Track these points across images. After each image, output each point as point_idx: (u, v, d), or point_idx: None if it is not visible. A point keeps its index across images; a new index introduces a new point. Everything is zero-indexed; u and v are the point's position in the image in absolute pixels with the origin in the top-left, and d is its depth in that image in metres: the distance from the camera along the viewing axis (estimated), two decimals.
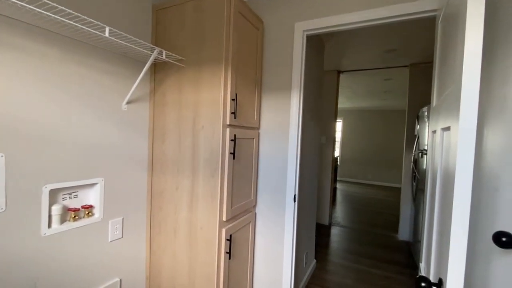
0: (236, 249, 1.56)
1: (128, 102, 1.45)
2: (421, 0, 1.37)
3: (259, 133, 1.79)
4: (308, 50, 1.85)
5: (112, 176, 1.39)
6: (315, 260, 2.68)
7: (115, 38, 1.14)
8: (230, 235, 1.45)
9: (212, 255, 1.39)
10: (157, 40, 1.55)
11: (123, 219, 1.47)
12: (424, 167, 2.56)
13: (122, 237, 1.47)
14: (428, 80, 3.27)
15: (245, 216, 1.64)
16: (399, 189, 7.16)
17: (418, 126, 3.00)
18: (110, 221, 1.39)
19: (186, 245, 1.47)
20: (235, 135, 1.40)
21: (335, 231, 3.67)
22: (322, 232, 3.61)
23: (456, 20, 0.79)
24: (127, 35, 1.14)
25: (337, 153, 8.32)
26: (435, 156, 1.03)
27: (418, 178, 2.77)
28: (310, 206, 2.42)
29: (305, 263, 2.31)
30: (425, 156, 2.48)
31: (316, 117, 2.53)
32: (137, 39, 1.17)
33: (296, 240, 1.79)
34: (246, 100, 1.56)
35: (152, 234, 1.60)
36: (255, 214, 1.80)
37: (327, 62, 3.57)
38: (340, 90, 5.14)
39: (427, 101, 3.26)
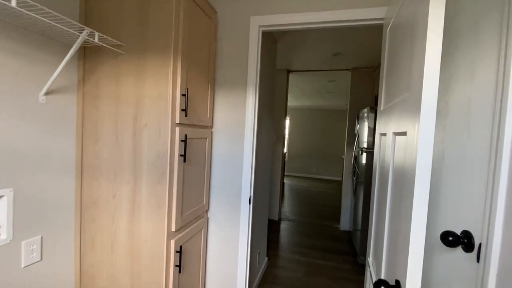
0: (187, 260, 1.43)
1: (48, 93, 1.16)
2: (370, 8, 1.43)
3: (212, 132, 1.67)
4: (263, 47, 1.80)
5: (25, 186, 1.10)
6: (266, 258, 2.70)
7: (27, 11, 0.88)
8: (180, 246, 1.31)
9: (159, 270, 1.23)
10: (88, 20, 1.28)
11: (42, 237, 1.19)
12: (364, 162, 2.81)
13: (41, 259, 1.19)
14: (367, 83, 3.59)
15: (196, 223, 1.51)
16: (339, 181, 7.84)
17: (358, 125, 3.27)
18: (23, 242, 1.11)
19: (127, 262, 1.27)
20: (186, 135, 1.25)
21: (284, 226, 3.78)
22: (273, 228, 3.68)
23: (410, 31, 0.82)
24: (44, 7, 0.89)
25: (285, 149, 8.64)
26: (385, 156, 1.09)
27: (358, 173, 3.03)
28: (263, 205, 2.41)
29: (258, 263, 2.30)
30: (365, 153, 2.71)
31: (270, 115, 2.52)
32: (58, 15, 0.93)
33: (251, 241, 1.74)
34: (199, 96, 1.42)
35: (83, 251, 1.34)
36: (208, 219, 1.69)
37: (278, 61, 3.61)
38: (289, 89, 5.29)
39: (366, 103, 3.58)
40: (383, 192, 1.07)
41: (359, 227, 2.91)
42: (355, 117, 3.63)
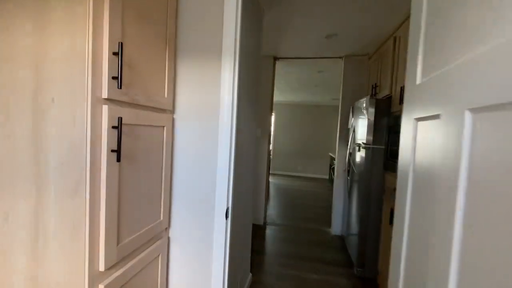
0: None
1: None
2: None
3: (174, 119, 1.20)
4: (244, 13, 1.35)
5: None
6: (250, 274, 2.27)
7: None
8: None
9: None
10: None
11: None
12: (361, 160, 2.46)
13: None
14: (362, 72, 3.25)
15: (150, 249, 1.05)
16: (325, 179, 7.58)
17: (353, 119, 2.92)
18: None
19: None
20: (120, 119, 0.79)
21: (270, 232, 3.37)
22: (257, 235, 3.26)
23: None
24: None
25: (270, 146, 8.25)
26: (443, 149, 0.69)
27: (355, 172, 2.67)
28: (246, 212, 1.97)
29: (240, 285, 1.86)
30: (363, 150, 2.35)
31: (253, 105, 2.09)
32: None
33: (229, 267, 1.31)
34: (148, 62, 0.96)
35: None
36: (169, 240, 1.23)
37: (264, 45, 3.18)
38: (275, 81, 4.89)
39: (360, 94, 3.24)
40: (434, 201, 0.67)
41: (354, 231, 2.56)
42: (349, 110, 3.28)
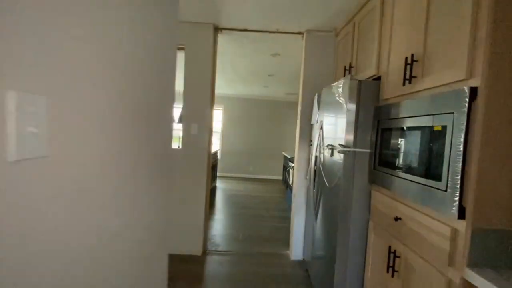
0: None
1: None
2: None
3: None
4: None
5: None
6: None
7: None
8: None
9: None
10: None
11: None
12: (331, 168, 1.74)
13: None
14: (326, 53, 2.56)
15: None
16: (278, 181, 6.98)
17: (319, 112, 2.20)
18: None
19: None
20: None
21: (212, 266, 2.46)
22: (192, 272, 2.32)
23: None
24: None
25: (217, 146, 7.30)
26: None
27: (325, 184, 1.94)
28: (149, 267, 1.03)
29: None
30: (341, 154, 1.62)
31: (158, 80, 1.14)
32: None
33: None
34: None
35: None
36: None
37: (200, 10, 2.23)
38: (220, 69, 3.97)
39: (325, 81, 2.55)
40: None
41: (322, 255, 1.85)
42: (311, 101, 2.56)
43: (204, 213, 2.66)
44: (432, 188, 1.04)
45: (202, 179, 2.61)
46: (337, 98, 1.74)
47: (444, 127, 1.00)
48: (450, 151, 0.96)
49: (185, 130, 2.57)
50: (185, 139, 2.57)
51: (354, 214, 1.61)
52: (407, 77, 1.25)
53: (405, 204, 1.24)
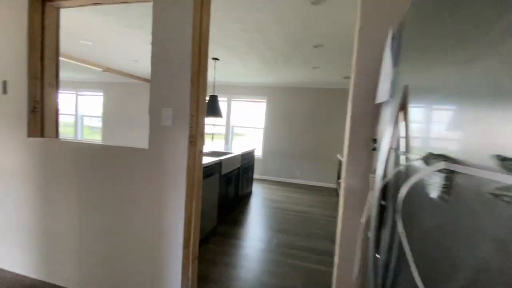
0: None
1: None
2: None
3: None
4: None
5: None
6: None
7: None
8: None
9: None
10: None
11: None
12: (421, 190, 0.48)
13: None
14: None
15: None
16: (332, 190, 5.54)
17: (395, 76, 0.91)
18: None
19: None
20: None
21: None
22: None
23: None
24: None
25: (259, 143, 6.30)
26: None
27: (398, 199, 0.68)
28: None
29: None
30: (437, 161, 0.37)
31: None
32: None
33: None
34: None
35: None
36: None
37: None
38: (248, 47, 2.88)
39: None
40: None
41: None
42: (375, 59, 1.25)
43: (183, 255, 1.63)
44: None
45: (178, 195, 1.59)
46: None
47: None
48: None
49: (154, 119, 1.59)
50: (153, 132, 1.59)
51: None
52: None
53: None
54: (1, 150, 1.93)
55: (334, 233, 3.19)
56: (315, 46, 3.20)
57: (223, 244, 2.72)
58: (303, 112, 6.02)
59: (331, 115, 5.86)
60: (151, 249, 1.65)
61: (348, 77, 4.72)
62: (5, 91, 1.89)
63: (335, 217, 3.79)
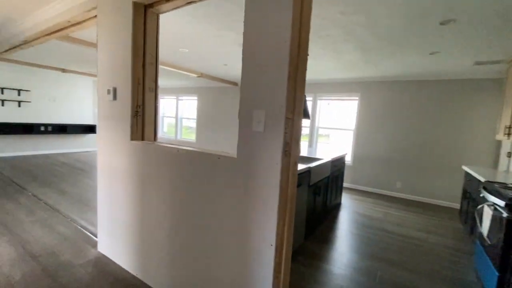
0: None
1: None
2: None
3: None
4: None
5: None
6: None
7: None
8: None
9: None
10: None
11: None
12: None
13: None
14: None
15: None
16: (451, 210, 4.30)
17: None
18: None
19: None
20: None
21: None
22: None
23: None
24: None
25: (348, 146, 5.58)
26: None
27: None
28: None
29: None
30: None
31: None
32: None
33: None
34: None
35: None
36: None
37: None
38: (344, 36, 2.36)
39: None
40: None
41: None
42: None
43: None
44: None
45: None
46: None
47: None
48: None
49: (244, 124, 1.34)
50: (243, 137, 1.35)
51: None
52: None
53: None
54: (111, 152, 2.11)
55: (471, 276, 2.31)
56: (442, 23, 2.39)
57: (312, 267, 2.33)
58: (407, 110, 4.94)
59: (450, 113, 4.58)
60: (239, 276, 1.41)
61: (484, 63, 3.50)
62: (115, 97, 2.04)
63: (466, 253, 2.81)
